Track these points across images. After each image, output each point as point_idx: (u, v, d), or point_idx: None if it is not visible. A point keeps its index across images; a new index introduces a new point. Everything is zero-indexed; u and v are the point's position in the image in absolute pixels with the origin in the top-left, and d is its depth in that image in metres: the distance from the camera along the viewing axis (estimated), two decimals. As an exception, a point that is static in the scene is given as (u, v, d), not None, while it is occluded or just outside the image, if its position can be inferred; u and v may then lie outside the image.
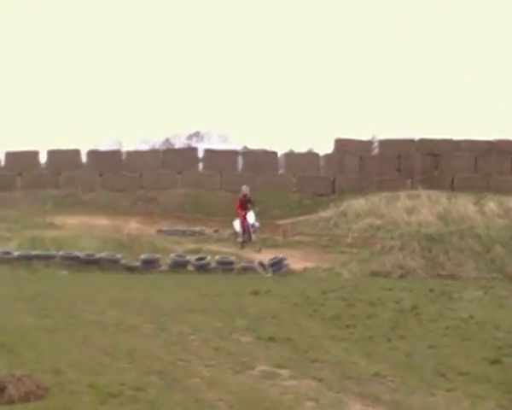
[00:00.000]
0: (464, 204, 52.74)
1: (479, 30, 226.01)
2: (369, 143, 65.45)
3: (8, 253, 35.40)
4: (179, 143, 72.58)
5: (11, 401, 15.56)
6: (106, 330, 24.09)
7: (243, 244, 41.26)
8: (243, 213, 45.71)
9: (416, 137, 64.25)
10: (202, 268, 36.33)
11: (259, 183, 60.26)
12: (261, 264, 36.97)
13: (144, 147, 72.70)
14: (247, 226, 41.37)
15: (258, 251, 44.58)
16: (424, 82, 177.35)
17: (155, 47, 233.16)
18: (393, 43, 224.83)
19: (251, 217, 40.94)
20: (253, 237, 41.64)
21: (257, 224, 41.70)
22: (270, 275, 36.24)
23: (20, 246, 38.18)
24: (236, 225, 40.94)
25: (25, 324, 23.89)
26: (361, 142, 65.44)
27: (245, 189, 47.33)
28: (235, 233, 41.30)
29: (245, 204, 45.01)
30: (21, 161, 63.34)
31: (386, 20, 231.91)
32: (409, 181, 59.30)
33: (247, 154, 65.39)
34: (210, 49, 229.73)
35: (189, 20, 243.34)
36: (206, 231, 53.62)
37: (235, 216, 53.70)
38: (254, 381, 19.09)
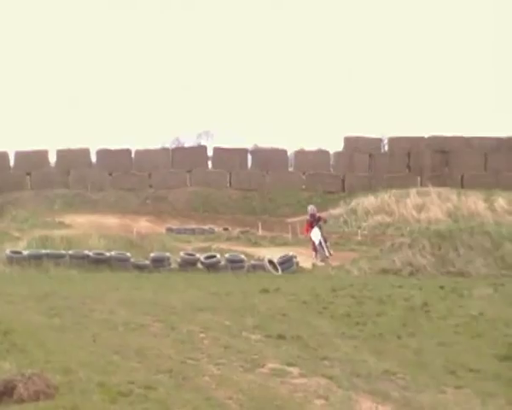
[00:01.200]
0: (474, 201, 53.09)
1: (489, 26, 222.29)
2: (379, 140, 65.54)
3: (18, 252, 35.55)
4: (188, 142, 71.57)
5: (21, 401, 15.55)
6: (115, 329, 24.11)
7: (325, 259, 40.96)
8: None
9: (426, 134, 63.95)
10: (212, 267, 36.32)
11: (269, 181, 60.75)
12: (271, 262, 36.85)
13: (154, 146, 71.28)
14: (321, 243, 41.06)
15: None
16: (433, 79, 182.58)
17: (164, 45, 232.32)
18: (401, 41, 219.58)
19: (315, 235, 40.67)
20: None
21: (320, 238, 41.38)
22: (279, 273, 36.00)
23: (30, 245, 38.34)
24: (316, 237, 40.77)
25: (34, 323, 23.91)
26: (370, 139, 65.21)
27: (311, 209, 46.73)
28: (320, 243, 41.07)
29: (313, 224, 41.57)
30: (30, 160, 63.32)
31: (395, 17, 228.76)
32: (418, 178, 59.73)
33: (257, 152, 65.56)
34: (219, 47, 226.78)
35: (199, 19, 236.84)
36: (216, 230, 53.26)
37: (245, 214, 53.58)
38: (264, 379, 19.03)
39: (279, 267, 36.60)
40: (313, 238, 39.40)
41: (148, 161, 64.16)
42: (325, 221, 42.56)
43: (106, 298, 26.84)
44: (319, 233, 44.20)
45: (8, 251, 36.32)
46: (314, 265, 40.44)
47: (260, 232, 52.66)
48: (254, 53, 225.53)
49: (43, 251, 36.69)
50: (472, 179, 57.68)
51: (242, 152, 66.13)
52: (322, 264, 42.23)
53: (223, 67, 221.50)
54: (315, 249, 44.21)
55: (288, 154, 67.36)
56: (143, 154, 65.12)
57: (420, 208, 53.11)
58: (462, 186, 58.31)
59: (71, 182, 62.65)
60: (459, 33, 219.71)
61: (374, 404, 17.04)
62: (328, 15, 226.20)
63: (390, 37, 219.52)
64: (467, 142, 61.77)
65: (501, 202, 52.66)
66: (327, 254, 44.55)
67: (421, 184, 58.78)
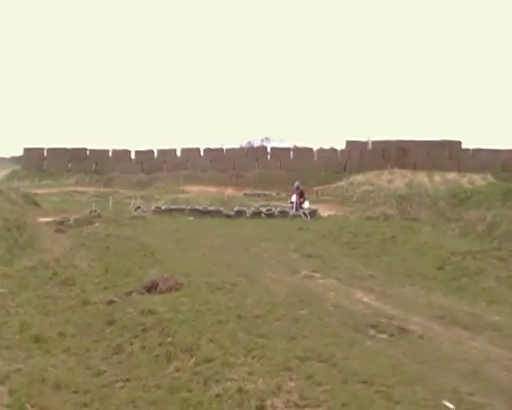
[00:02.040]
0: (421, 177, 54.41)
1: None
2: (366, 142, 65.81)
3: (158, 207, 37.06)
4: (256, 143, 73.06)
5: (161, 292, 17.94)
6: (214, 250, 27.14)
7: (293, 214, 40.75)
8: (301, 199, 41.88)
9: (393, 138, 64.22)
10: (269, 215, 37.66)
11: (302, 166, 61.24)
12: (304, 213, 37.59)
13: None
14: (297, 207, 40.68)
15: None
16: (396, 99, 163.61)
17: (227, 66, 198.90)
18: (378, 69, 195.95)
19: (293, 199, 40.39)
20: (304, 214, 40.42)
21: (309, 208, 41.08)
22: (308, 219, 36.57)
23: (165, 203, 39.80)
24: (292, 198, 40.65)
25: (168, 247, 26.94)
26: (361, 142, 65.83)
27: (296, 184, 44.24)
28: (292, 203, 40.96)
29: (297, 193, 40.86)
30: (165, 154, 63.90)
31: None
32: (389, 165, 59.95)
33: (296, 149, 66.88)
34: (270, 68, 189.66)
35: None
36: (272, 194, 54.04)
37: (288, 185, 54.31)
38: (300, 280, 21.58)
39: (308, 216, 36.90)
40: (292, 200, 38.86)
41: (233, 154, 65.24)
42: (304, 194, 41.45)
43: (208, 233, 29.67)
44: (295, 198, 41.59)
45: (153, 206, 37.96)
46: (329, 215, 40.60)
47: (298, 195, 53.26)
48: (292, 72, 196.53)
49: (173, 206, 38.07)
50: (420, 165, 58.33)
51: (286, 150, 66.46)
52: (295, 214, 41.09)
53: (275, 90, 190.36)
54: (294, 208, 42.22)
55: (314, 150, 67.17)
56: (230, 151, 65.81)
57: (390, 182, 54.72)
58: (414, 169, 58.61)
59: (189, 166, 62.92)
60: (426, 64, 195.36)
61: (363, 294, 19.60)
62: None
63: (367, 64, 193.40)
64: (417, 143, 62.05)
65: (437, 177, 54.08)
66: (295, 212, 41.97)
67: (390, 168, 59.21)
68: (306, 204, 43.25)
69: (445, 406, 9.37)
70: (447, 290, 20.88)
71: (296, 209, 42.27)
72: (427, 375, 11.48)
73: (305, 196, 44.26)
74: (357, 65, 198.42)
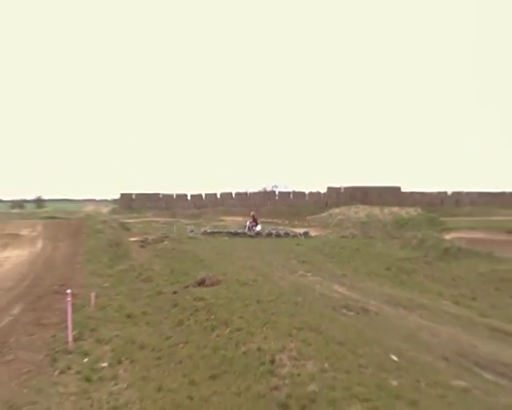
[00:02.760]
0: (376, 210, 53.70)
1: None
2: (340, 187, 64.53)
3: (205, 231, 36.63)
4: (268, 188, 71.56)
5: (207, 286, 17.58)
6: (241, 259, 25.88)
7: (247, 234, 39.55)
8: (254, 223, 39.08)
9: (359, 184, 63.57)
10: (277, 235, 37.20)
11: (299, 203, 60.86)
12: (300, 233, 37.12)
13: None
14: (252, 228, 39.05)
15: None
16: (360, 158, 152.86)
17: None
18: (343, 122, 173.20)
19: (258, 227, 39.09)
20: (256, 233, 38.95)
21: (261, 229, 39.69)
22: (303, 238, 35.93)
23: (210, 228, 39.75)
24: (246, 223, 39.31)
25: (211, 256, 25.52)
26: (337, 187, 64.47)
27: (252, 213, 42.08)
28: (246, 226, 39.74)
29: (254, 219, 39.08)
30: (209, 196, 63.37)
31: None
32: (354, 202, 59.17)
33: (294, 192, 65.82)
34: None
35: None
36: (278, 222, 53.12)
37: (291, 216, 53.91)
38: (297, 278, 21.11)
39: (303, 235, 36.28)
40: (247, 224, 37.86)
41: (253, 196, 66.98)
42: (256, 220, 40.19)
43: (237, 247, 29.81)
44: (249, 223, 39.58)
45: (202, 230, 37.02)
46: (316, 235, 39.91)
47: (296, 222, 51.88)
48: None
49: (215, 230, 37.76)
50: (375, 202, 57.71)
51: (288, 193, 66.42)
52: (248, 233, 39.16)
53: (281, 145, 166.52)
54: (248, 229, 40.32)
55: (306, 193, 66.13)
56: (251, 194, 66.57)
57: (355, 213, 54.37)
58: (371, 204, 57.63)
59: (224, 204, 62.96)
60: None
61: (339, 287, 19.39)
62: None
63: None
64: (373, 188, 61.51)
65: (385, 210, 53.25)
66: (248, 232, 39.82)
67: (356, 204, 58.29)
68: (258, 227, 41.24)
69: (392, 358, 9.43)
70: (393, 284, 21.16)
71: (249, 230, 40.74)
72: (380, 338, 11.68)
73: (258, 221, 41.53)
74: (334, 133, 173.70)
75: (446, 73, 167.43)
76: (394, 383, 7.72)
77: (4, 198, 72.62)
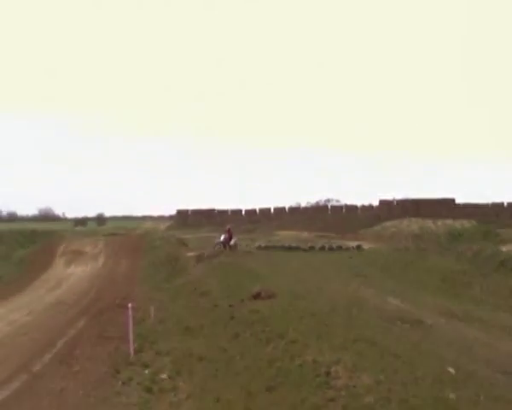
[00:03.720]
0: (428, 223, 52.72)
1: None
2: (392, 200, 62.69)
3: (260, 245, 36.03)
4: (321, 203, 69.71)
5: (263, 299, 17.34)
6: (295, 272, 25.51)
7: (220, 248, 37.17)
8: (228, 237, 36.44)
9: (409, 197, 61.92)
10: (330, 249, 36.65)
11: (351, 217, 60.25)
12: (352, 247, 36.80)
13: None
14: (227, 242, 36.62)
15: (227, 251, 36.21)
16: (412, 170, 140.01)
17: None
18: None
19: (222, 237, 36.75)
20: (233, 247, 37.06)
21: (237, 242, 37.47)
22: (356, 251, 35.62)
23: (264, 242, 38.61)
24: (221, 237, 37.32)
25: (266, 270, 24.94)
26: (388, 200, 62.62)
27: (228, 226, 39.83)
28: (219, 241, 37.58)
29: (229, 233, 36.96)
30: (263, 211, 63.16)
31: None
32: (407, 215, 57.07)
33: (346, 206, 65.34)
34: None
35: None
36: (331, 235, 52.09)
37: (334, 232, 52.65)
38: (351, 290, 20.16)
39: (356, 249, 35.90)
40: (221, 239, 35.96)
41: (306, 210, 64.80)
42: (231, 234, 37.73)
43: (291, 261, 29.02)
44: (222, 237, 36.00)
45: (256, 244, 36.31)
46: (369, 247, 38.74)
47: (349, 235, 50.98)
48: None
49: (269, 244, 37.36)
50: (427, 215, 55.70)
51: (340, 207, 64.82)
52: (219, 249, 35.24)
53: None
54: (223, 244, 37.04)
55: (358, 206, 64.85)
56: (305, 208, 65.49)
57: (408, 226, 56.12)
58: (423, 217, 55.97)
59: (278, 218, 62.00)
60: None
61: (393, 299, 18.53)
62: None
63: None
64: (424, 200, 59.42)
65: (439, 222, 52.47)
66: (221, 247, 35.96)
67: (408, 217, 56.66)
68: (233, 241, 40.15)
69: (449, 370, 9.21)
70: (448, 296, 20.74)
71: (223, 243, 39.64)
72: (436, 351, 11.47)
73: (232, 235, 37.79)
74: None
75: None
76: (452, 396, 7.49)
77: (68, 216, 74.80)
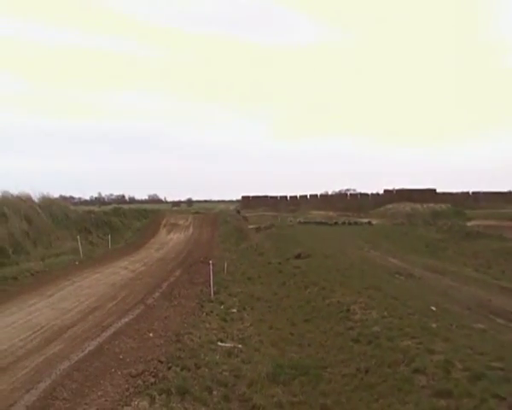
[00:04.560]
0: (418, 205, 50.24)
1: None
2: (392, 190, 60.58)
3: (300, 221, 36.71)
4: (342, 191, 66.37)
5: (302, 258, 16.89)
6: (324, 240, 25.21)
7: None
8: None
9: (406, 186, 59.63)
10: (349, 224, 37.61)
11: (364, 202, 59.86)
12: (365, 222, 36.16)
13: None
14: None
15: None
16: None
17: None
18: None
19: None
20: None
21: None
22: (367, 225, 35.84)
23: (303, 219, 39.33)
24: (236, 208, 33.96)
25: (304, 238, 24.60)
26: (390, 190, 62.37)
27: (236, 206, 36.44)
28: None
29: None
30: (302, 197, 62.66)
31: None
32: (402, 200, 55.28)
33: (360, 194, 62.90)
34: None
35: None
36: (349, 214, 51.00)
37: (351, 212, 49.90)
38: (363, 253, 20.37)
39: (367, 224, 35.39)
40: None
41: (332, 196, 63.51)
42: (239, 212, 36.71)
43: (322, 232, 30.56)
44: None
45: (297, 220, 36.22)
46: (376, 223, 37.78)
47: (362, 215, 49.65)
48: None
49: (306, 220, 37.55)
50: (417, 199, 53.36)
51: (356, 194, 64.35)
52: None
53: None
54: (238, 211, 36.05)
55: (369, 194, 65.16)
56: (331, 195, 64.25)
57: (403, 207, 52.40)
58: (415, 202, 53.53)
59: (313, 202, 61.31)
60: None
61: (393, 259, 19.37)
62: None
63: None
64: (415, 190, 57.26)
65: (425, 206, 49.43)
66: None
67: (404, 202, 54.28)
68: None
69: (431, 309, 9.23)
70: (431, 257, 20.60)
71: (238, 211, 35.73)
72: (422, 295, 11.55)
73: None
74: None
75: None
76: (434, 325, 7.51)
77: (168, 200, 76.20)
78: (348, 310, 9.35)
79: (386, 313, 8.61)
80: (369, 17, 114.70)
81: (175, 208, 59.75)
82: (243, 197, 71.54)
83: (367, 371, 6.16)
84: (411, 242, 25.54)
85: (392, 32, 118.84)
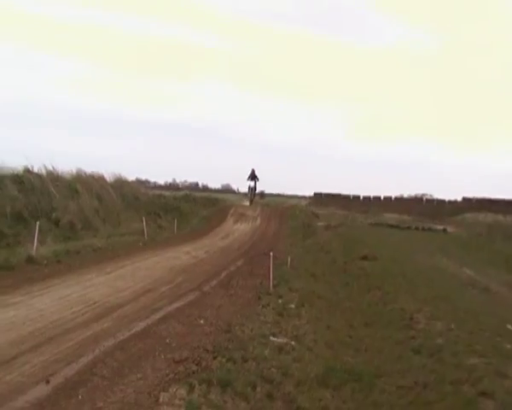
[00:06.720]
0: (500, 217, 45.10)
1: None
2: (472, 198, 56.44)
3: (371, 222, 35.54)
4: (418, 195, 63.82)
5: (368, 260, 16.34)
6: (393, 243, 23.82)
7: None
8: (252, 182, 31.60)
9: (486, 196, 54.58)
10: (422, 229, 34.34)
11: (440, 208, 54.66)
12: (440, 230, 34.15)
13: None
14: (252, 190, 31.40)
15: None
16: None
17: None
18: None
19: (248, 184, 31.22)
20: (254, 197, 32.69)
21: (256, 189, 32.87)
22: (442, 233, 33.16)
23: (374, 220, 37.22)
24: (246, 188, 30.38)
25: (372, 239, 23.21)
26: (470, 198, 56.69)
27: (254, 167, 31.39)
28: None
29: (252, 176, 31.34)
30: (375, 198, 60.05)
31: None
32: (483, 209, 51.02)
33: (437, 200, 58.09)
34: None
35: None
36: (422, 220, 48.08)
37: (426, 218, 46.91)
38: (434, 260, 18.76)
39: (442, 231, 33.60)
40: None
41: (406, 201, 58.87)
42: (257, 178, 32.08)
43: (392, 235, 28.80)
44: (250, 184, 31.31)
45: (368, 221, 35.90)
46: (451, 231, 35.64)
47: (437, 221, 46.85)
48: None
49: (377, 222, 36.48)
50: (500, 210, 49.36)
51: (432, 200, 58.95)
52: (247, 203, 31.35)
53: None
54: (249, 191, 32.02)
55: (446, 201, 58.63)
56: (405, 199, 59.81)
57: (483, 218, 46.09)
58: (497, 212, 49.66)
59: (385, 204, 58.54)
60: None
61: (467, 270, 16.64)
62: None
63: None
64: (497, 200, 53.23)
65: (508, 217, 45.35)
66: (250, 198, 31.67)
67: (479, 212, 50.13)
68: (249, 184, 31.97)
69: (507, 327, 8.59)
70: (510, 272, 17.97)
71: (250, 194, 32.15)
72: (498, 312, 10.55)
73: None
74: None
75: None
76: (508, 346, 6.90)
77: (240, 190, 77.40)
78: (411, 318, 8.92)
79: (453, 326, 8.09)
80: (455, 20, 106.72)
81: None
82: (315, 194, 71.74)
83: (425, 386, 5.70)
84: (489, 254, 23.75)
85: (479, 34, 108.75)
